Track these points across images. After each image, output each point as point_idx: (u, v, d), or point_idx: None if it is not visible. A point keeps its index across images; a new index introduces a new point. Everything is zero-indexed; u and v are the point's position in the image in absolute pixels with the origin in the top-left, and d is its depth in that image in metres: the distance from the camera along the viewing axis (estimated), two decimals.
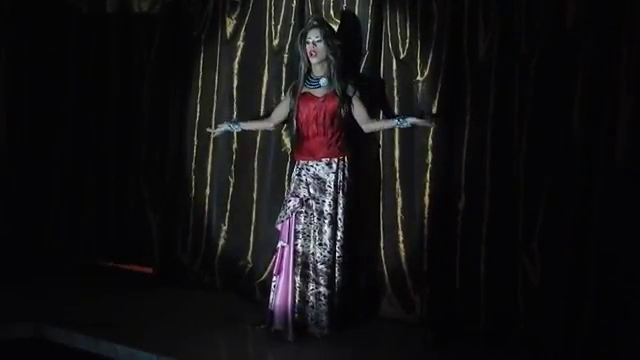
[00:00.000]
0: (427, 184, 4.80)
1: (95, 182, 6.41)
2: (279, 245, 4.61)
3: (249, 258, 5.55)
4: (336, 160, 4.59)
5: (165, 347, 4.31)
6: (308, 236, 4.58)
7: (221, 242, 5.68)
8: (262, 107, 5.42)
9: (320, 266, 4.55)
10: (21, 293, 5.31)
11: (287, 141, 5.23)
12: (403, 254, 4.99)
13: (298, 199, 4.56)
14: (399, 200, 4.99)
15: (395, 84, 4.96)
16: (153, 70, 6.07)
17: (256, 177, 5.52)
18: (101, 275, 6.08)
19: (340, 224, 4.61)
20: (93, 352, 4.44)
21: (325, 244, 4.56)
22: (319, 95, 4.54)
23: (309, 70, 4.58)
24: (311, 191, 4.56)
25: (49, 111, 6.39)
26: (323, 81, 4.53)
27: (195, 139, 5.83)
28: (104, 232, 6.35)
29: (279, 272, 4.59)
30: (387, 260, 5.05)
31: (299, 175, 4.61)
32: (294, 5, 5.27)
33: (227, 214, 5.65)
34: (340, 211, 4.61)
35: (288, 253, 4.56)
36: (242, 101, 5.54)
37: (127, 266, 6.23)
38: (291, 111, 4.66)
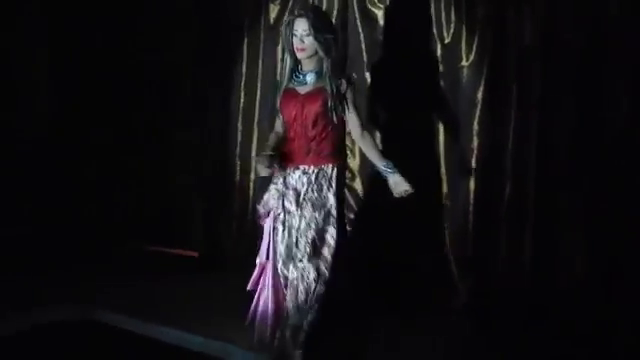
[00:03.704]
0: (472, 170, 4.77)
1: (141, 167, 6.50)
2: (257, 261, 3.80)
3: None
4: (314, 170, 3.66)
5: (211, 331, 4.36)
6: (288, 256, 3.65)
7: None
8: None
9: (301, 295, 3.60)
10: (71, 277, 5.42)
11: None
12: (447, 240, 4.96)
13: (270, 212, 3.73)
14: (444, 186, 4.97)
15: (440, 69, 4.93)
16: (196, 56, 6.12)
17: None
18: (148, 259, 6.19)
19: (324, 251, 3.61)
20: (140, 334, 4.50)
21: (304, 269, 3.58)
22: (302, 92, 3.66)
23: (296, 64, 3.71)
24: (286, 204, 3.66)
25: (90, 97, 6.50)
26: (310, 77, 3.65)
27: (239, 124, 5.87)
28: (150, 217, 6.45)
29: (255, 287, 3.81)
30: (431, 246, 5.03)
31: (275, 183, 3.75)
32: None
33: None
34: (319, 234, 3.60)
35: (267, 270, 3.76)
36: None
37: (173, 250, 6.32)
38: (276, 110, 3.86)
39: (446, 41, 4.91)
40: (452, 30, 4.87)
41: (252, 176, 5.81)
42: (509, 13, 4.62)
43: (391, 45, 5.07)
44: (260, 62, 5.73)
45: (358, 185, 5.29)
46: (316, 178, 3.63)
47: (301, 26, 3.56)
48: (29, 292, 4.95)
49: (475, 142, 4.78)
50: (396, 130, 4.88)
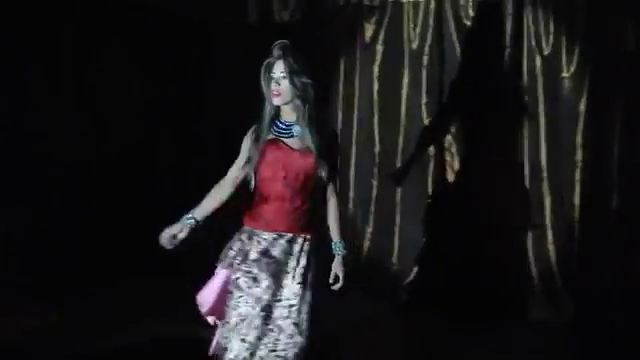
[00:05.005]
0: (577, 183, 4.67)
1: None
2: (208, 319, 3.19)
3: (394, 259, 5.59)
4: (301, 239, 3.09)
5: None
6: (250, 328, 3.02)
7: (366, 244, 5.75)
8: (403, 109, 5.45)
9: None
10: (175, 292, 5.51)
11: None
12: (553, 255, 4.86)
13: (232, 278, 3.07)
14: (547, 200, 4.88)
15: (539, 81, 4.86)
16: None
17: None
18: None
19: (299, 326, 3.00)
20: None
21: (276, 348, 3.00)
22: (295, 146, 3.07)
23: (276, 112, 3.13)
24: (254, 271, 3.03)
25: (188, 112, 6.53)
26: (297, 129, 3.07)
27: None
28: None
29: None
30: (536, 261, 4.95)
31: (241, 245, 3.10)
32: (432, 7, 5.26)
33: (371, 216, 5.71)
34: (299, 311, 3.01)
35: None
36: (383, 104, 5.59)
37: None
38: (249, 160, 3.13)
39: (545, 52, 4.84)
40: (551, 41, 4.79)
41: (351, 194, 5.84)
42: (611, 20, 4.50)
43: (488, 59, 5.02)
44: (356, 80, 5.77)
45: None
46: (300, 249, 3.07)
47: (278, 68, 3.03)
48: (134, 306, 5.04)
49: (579, 155, 4.68)
50: (494, 145, 4.82)
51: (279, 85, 3.00)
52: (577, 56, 4.68)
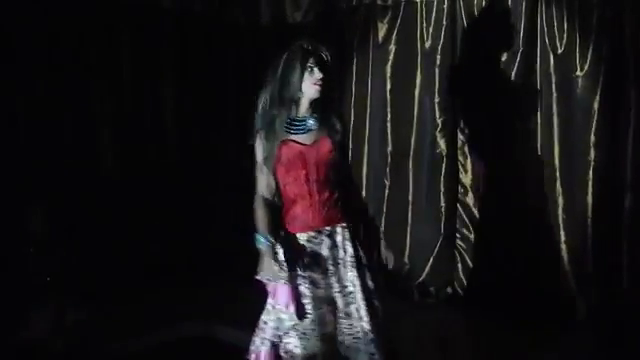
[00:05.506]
0: (590, 182, 4.65)
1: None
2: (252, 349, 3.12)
3: (406, 259, 5.58)
4: (340, 228, 3.07)
5: None
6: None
7: None
8: (416, 109, 5.44)
9: None
10: (191, 293, 5.53)
11: (442, 142, 5.24)
12: (565, 255, 4.84)
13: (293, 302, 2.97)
14: (560, 199, 4.85)
15: (553, 80, 4.84)
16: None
17: (411, 178, 5.53)
18: None
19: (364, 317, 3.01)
20: None
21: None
22: (308, 141, 3.02)
23: (295, 110, 3.04)
24: (309, 274, 3.00)
25: (212, 115, 6.61)
26: (312, 122, 3.02)
27: (350, 143, 5.91)
28: None
29: None
30: (548, 261, 4.92)
31: (277, 253, 2.94)
32: (445, 6, 5.25)
33: (383, 215, 5.70)
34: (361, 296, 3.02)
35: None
36: (396, 103, 5.58)
37: None
38: (267, 158, 3.04)
39: (559, 51, 4.82)
40: (565, 39, 4.78)
41: (363, 193, 5.82)
42: (626, 17, 4.48)
43: (500, 56, 5.01)
44: (369, 80, 5.76)
45: (470, 200, 5.24)
46: (343, 239, 3.05)
47: (320, 59, 2.97)
48: (159, 309, 5.13)
49: (592, 154, 4.66)
50: (509, 144, 4.81)
51: (321, 75, 2.94)
52: (591, 55, 4.64)
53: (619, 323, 4.53)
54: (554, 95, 4.84)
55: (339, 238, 3.05)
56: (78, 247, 5.23)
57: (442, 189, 5.20)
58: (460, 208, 5.27)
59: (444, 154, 5.24)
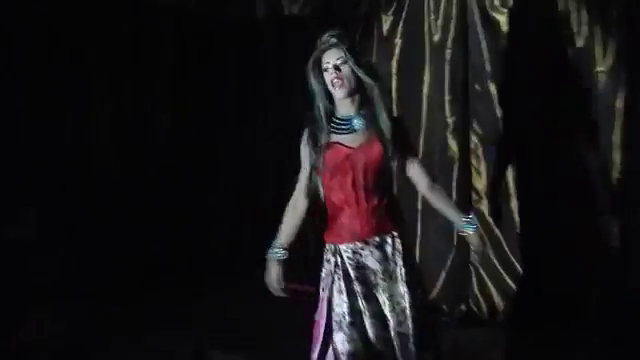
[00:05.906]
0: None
1: (254, 186, 6.49)
2: None
3: None
4: (390, 238, 2.86)
5: None
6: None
7: None
8: (424, 108, 5.15)
9: None
10: (191, 293, 5.50)
11: (453, 144, 4.96)
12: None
13: (340, 314, 2.81)
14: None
15: (572, 76, 4.66)
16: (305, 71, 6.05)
17: None
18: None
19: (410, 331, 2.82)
20: None
21: None
22: (355, 144, 2.83)
23: (331, 110, 2.88)
24: (355, 289, 2.81)
25: (210, 112, 6.62)
26: (357, 122, 2.82)
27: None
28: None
29: None
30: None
31: (329, 266, 2.87)
32: None
33: None
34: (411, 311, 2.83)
35: None
36: (402, 103, 5.27)
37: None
38: (313, 170, 2.89)
39: (578, 44, 4.64)
40: (585, 32, 4.58)
41: None
42: None
43: (516, 52, 4.76)
44: None
45: (485, 207, 4.96)
46: (393, 249, 2.84)
47: (333, 55, 2.80)
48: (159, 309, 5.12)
49: (616, 154, 4.49)
50: (527, 144, 4.59)
51: (340, 71, 2.77)
52: (613, 48, 4.48)
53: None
54: (573, 92, 4.68)
55: (389, 249, 2.85)
56: (78, 247, 5.40)
57: (454, 195, 4.89)
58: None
59: (455, 157, 4.95)
